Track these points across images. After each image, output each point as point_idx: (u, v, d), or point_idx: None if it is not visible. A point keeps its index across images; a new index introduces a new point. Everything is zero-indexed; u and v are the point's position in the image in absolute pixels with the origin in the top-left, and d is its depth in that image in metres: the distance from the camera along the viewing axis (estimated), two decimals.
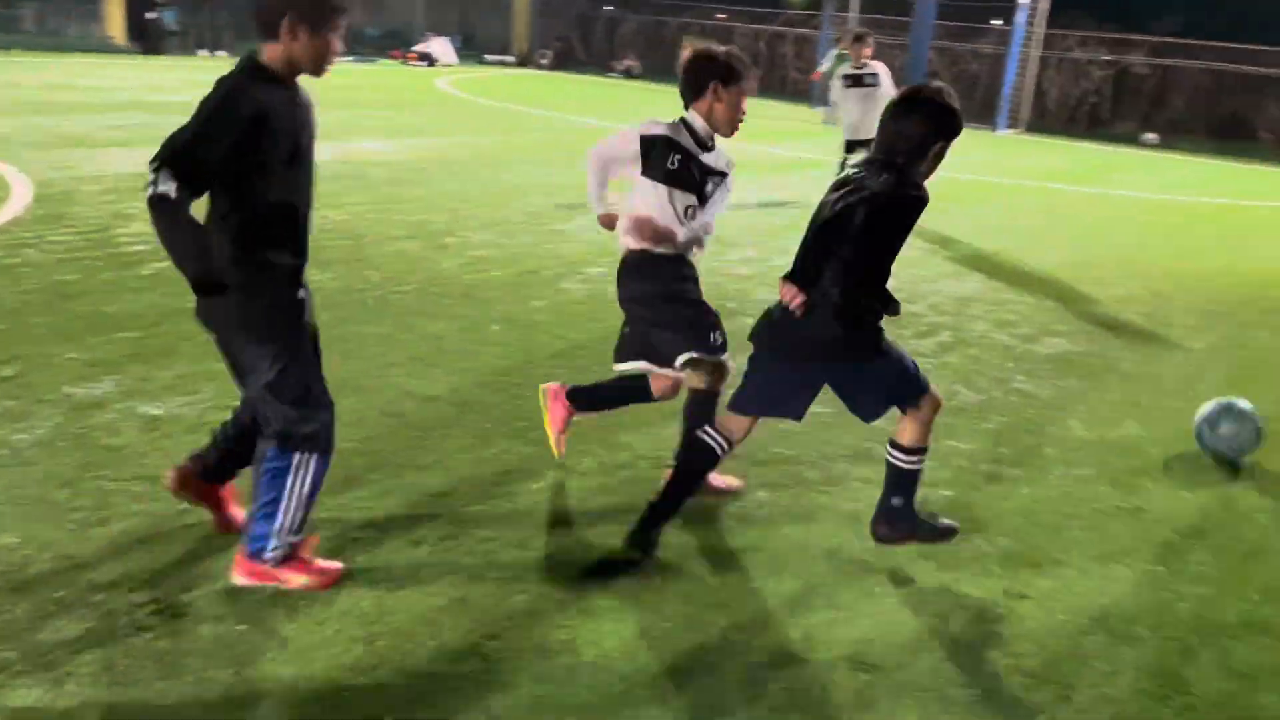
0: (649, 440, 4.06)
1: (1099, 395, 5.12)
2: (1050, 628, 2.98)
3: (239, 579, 2.83)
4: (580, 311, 5.76)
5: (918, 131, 2.92)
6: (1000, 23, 23.94)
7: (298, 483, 2.78)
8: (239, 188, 2.57)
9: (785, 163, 13.36)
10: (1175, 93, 23.44)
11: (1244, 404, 4.33)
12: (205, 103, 2.50)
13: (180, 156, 2.42)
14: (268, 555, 2.81)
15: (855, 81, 9.30)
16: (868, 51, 9.32)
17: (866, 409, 3.17)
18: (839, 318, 2.96)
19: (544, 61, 29.30)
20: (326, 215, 6.95)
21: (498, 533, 3.27)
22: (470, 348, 5.05)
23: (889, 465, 3.17)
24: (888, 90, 8.72)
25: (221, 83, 2.55)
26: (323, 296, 5.83)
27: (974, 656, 2.82)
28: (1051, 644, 2.90)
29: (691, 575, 3.12)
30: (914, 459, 3.13)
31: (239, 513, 3.08)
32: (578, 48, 31.77)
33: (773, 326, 3.12)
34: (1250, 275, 8.51)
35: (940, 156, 2.99)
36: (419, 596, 2.88)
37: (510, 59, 29.69)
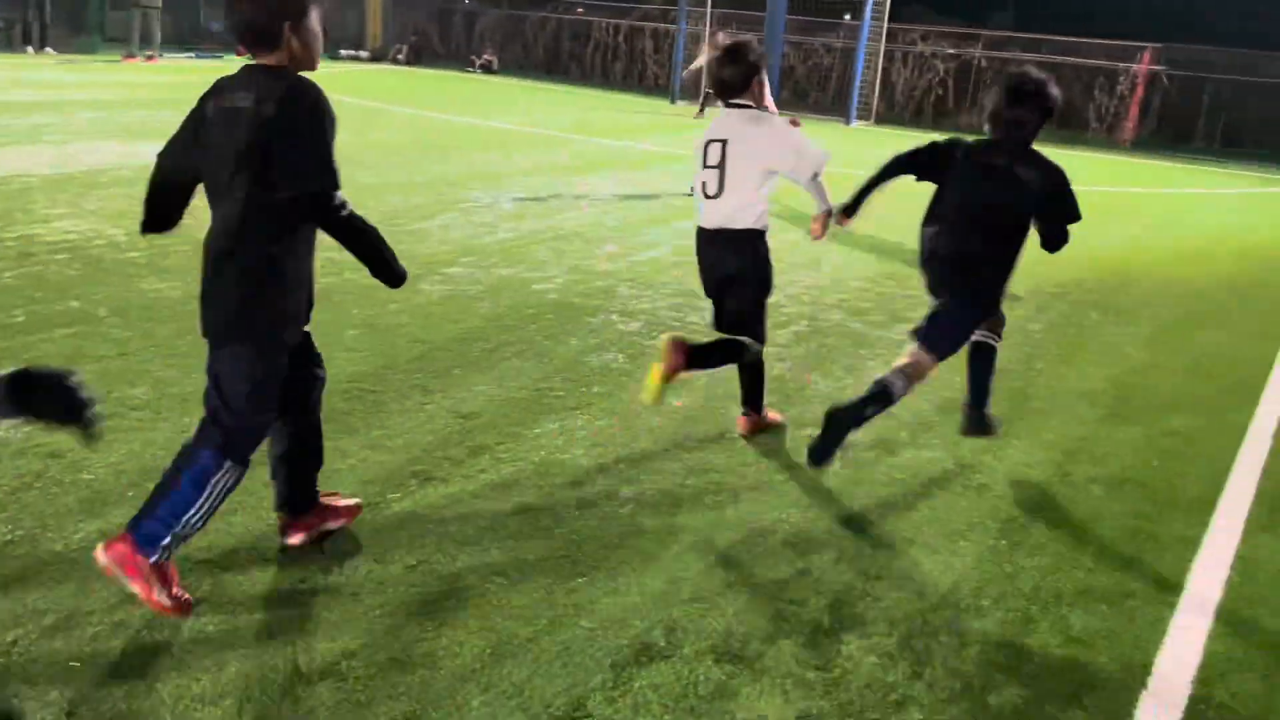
0: (511, 452, 4.03)
1: (950, 377, 5.33)
2: (902, 606, 3.10)
3: (106, 559, 2.61)
4: (440, 313, 5.66)
5: (1032, 117, 3.73)
6: (849, 17, 24.72)
7: (217, 491, 2.72)
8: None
9: (647, 157, 13.46)
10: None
11: None
12: (311, 119, 2.59)
13: (338, 172, 2.63)
14: (155, 555, 2.64)
15: None
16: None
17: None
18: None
19: (400, 56, 28.67)
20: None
21: (357, 545, 3.19)
22: (325, 354, 4.88)
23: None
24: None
25: (304, 95, 2.59)
26: (165, 307, 5.63)
27: (833, 640, 2.91)
28: (904, 623, 3.01)
29: (556, 575, 3.11)
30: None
31: (341, 499, 3.29)
32: (435, 42, 31.21)
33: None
34: (1080, 258, 8.97)
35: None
36: (269, 616, 2.78)
37: (364, 54, 28.95)
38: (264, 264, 2.70)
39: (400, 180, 9.94)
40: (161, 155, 2.88)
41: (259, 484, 3.17)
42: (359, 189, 9.34)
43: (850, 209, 4.15)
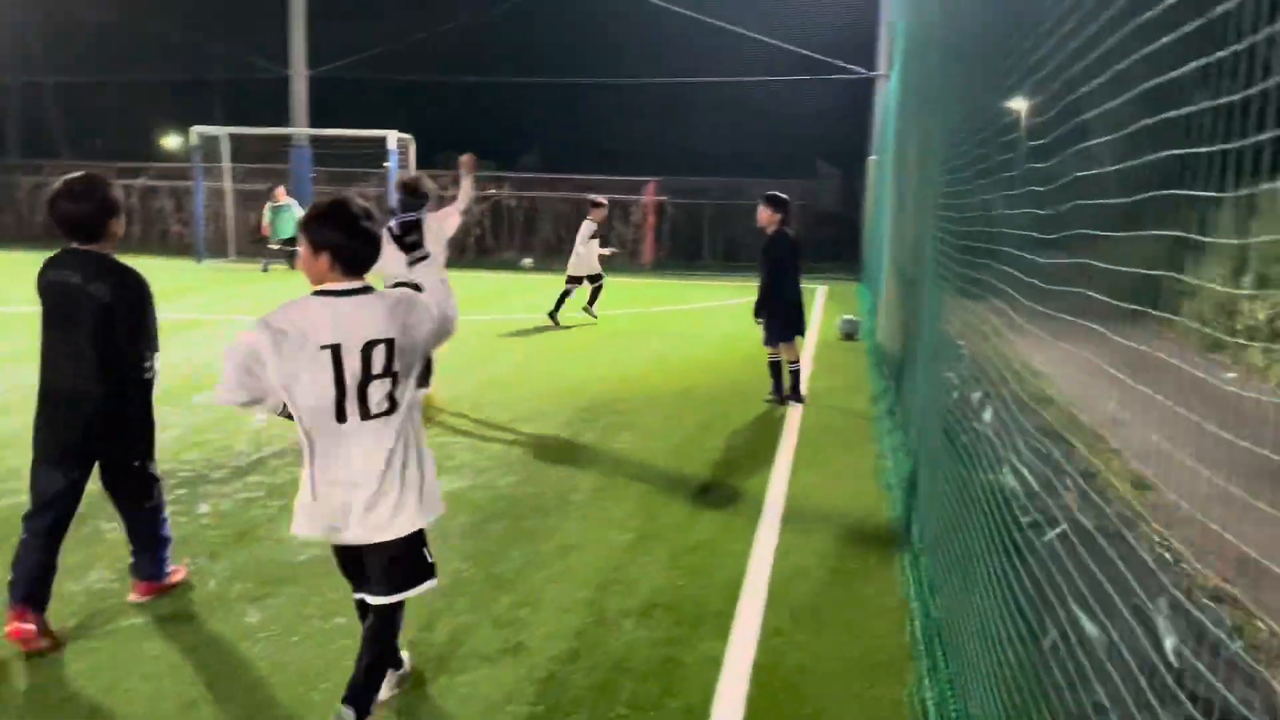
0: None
1: (486, 528, 5.20)
2: None
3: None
4: None
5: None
6: (386, 164, 25.05)
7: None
8: None
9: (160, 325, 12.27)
10: (543, 220, 26.34)
11: None
12: (140, 293, 3.94)
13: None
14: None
15: None
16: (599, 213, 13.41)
17: None
18: None
19: None
20: None
21: None
22: None
23: None
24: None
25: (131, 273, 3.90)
26: None
27: None
28: None
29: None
30: None
31: None
32: None
33: None
34: (611, 378, 9.55)
35: None
36: None
37: None
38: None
39: None
40: None
41: None
42: None
43: None
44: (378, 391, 2.94)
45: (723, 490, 5.99)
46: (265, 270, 20.09)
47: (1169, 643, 3.48)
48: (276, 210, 19.85)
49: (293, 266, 19.41)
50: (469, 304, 16.47)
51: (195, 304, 14.53)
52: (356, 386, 2.91)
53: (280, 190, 20.42)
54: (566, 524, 5.28)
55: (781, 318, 8.36)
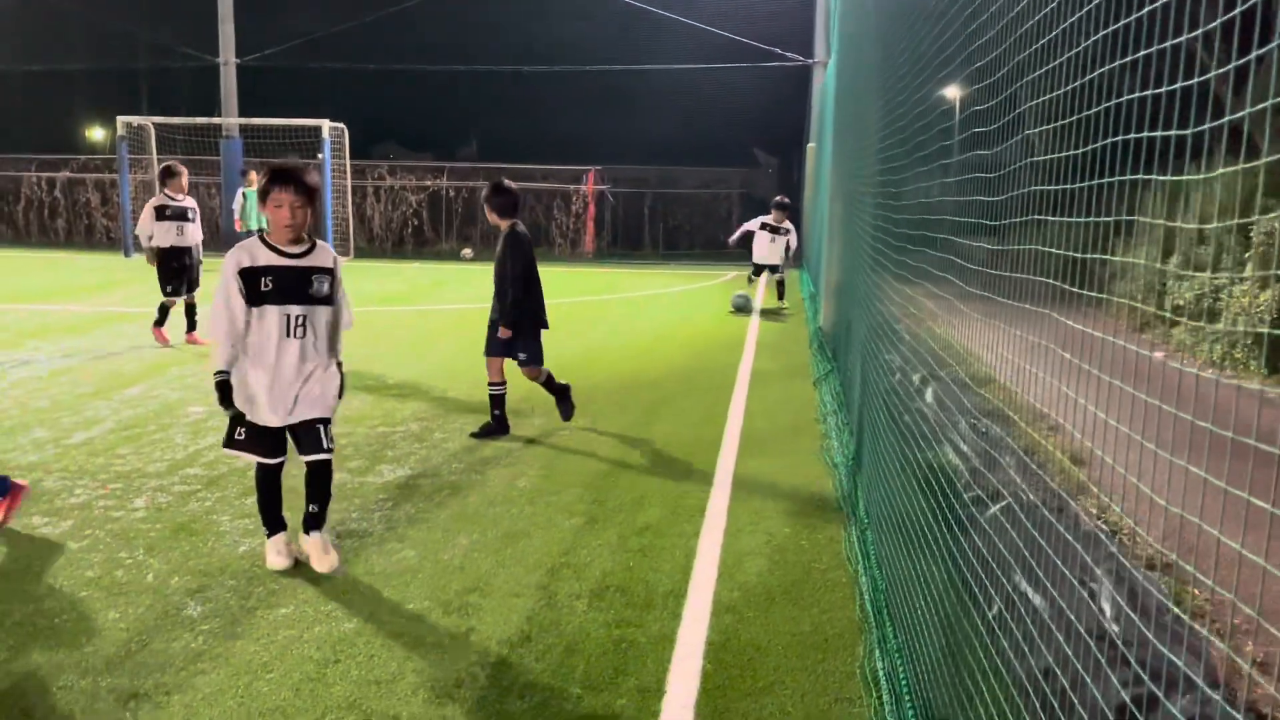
0: None
1: (432, 516, 5.15)
2: None
3: None
4: None
5: None
6: (320, 155, 24.64)
7: None
8: None
9: (94, 320, 11.95)
10: (482, 210, 26.14)
11: None
12: None
13: None
14: None
15: (774, 231, 14.55)
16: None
17: None
18: None
19: None
20: None
21: None
22: None
23: None
24: None
25: None
26: None
27: None
28: None
29: None
30: None
31: None
32: None
33: None
34: (553, 366, 9.47)
35: None
36: None
37: None
38: None
39: None
40: None
41: None
42: None
43: None
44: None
45: (670, 473, 6.00)
46: None
47: (1108, 609, 3.58)
48: (248, 197, 17.63)
49: None
50: (407, 296, 16.31)
51: (123, 298, 14.12)
52: None
53: (254, 174, 17.83)
54: (513, 510, 5.25)
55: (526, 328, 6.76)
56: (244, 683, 3.41)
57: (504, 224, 6.82)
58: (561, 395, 7.13)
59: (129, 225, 21.93)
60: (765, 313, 14.18)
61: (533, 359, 6.83)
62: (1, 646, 3.64)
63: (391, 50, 26.39)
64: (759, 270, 15.19)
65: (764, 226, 14.66)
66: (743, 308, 13.69)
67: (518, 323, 6.68)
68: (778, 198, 15.38)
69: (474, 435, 6.76)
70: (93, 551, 4.57)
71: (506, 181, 6.92)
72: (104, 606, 3.98)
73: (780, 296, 14.80)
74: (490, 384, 6.86)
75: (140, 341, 10.24)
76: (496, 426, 6.81)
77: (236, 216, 17.90)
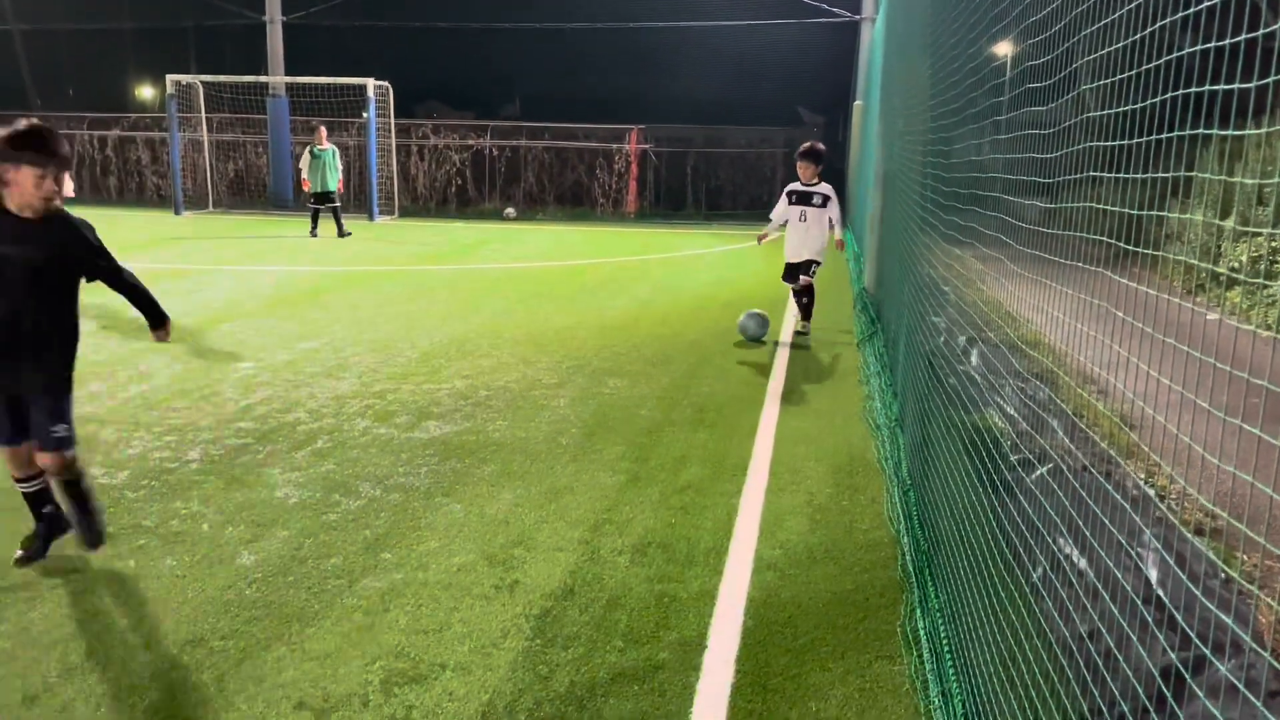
0: None
1: (477, 471, 5.22)
2: None
3: None
4: None
5: None
6: (365, 114, 24.75)
7: None
8: None
9: (149, 277, 12.14)
10: (525, 169, 26.11)
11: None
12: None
13: None
14: None
15: (803, 199, 9.56)
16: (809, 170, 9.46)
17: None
18: None
19: None
20: None
21: None
22: None
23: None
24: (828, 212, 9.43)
25: None
26: None
27: None
28: None
29: None
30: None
31: None
32: None
33: None
34: (596, 325, 9.54)
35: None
36: None
37: None
38: None
39: None
40: None
41: None
42: None
43: None
44: None
45: (712, 432, 6.02)
46: (343, 235, 17.67)
47: (1154, 574, 3.55)
48: (317, 156, 17.38)
49: (332, 231, 17.82)
50: (451, 255, 16.39)
51: (175, 254, 14.36)
52: None
53: (323, 131, 17.66)
54: (557, 467, 5.30)
55: None
56: (295, 629, 3.50)
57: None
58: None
59: (179, 182, 22.20)
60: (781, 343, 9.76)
61: None
62: (61, 593, 3.77)
63: (434, 8, 26.31)
64: (791, 273, 9.63)
65: (791, 197, 9.56)
66: (752, 334, 9.12)
67: None
68: (805, 145, 9.64)
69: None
70: (150, 502, 4.70)
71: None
72: (161, 555, 4.10)
73: (807, 316, 9.43)
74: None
75: (190, 299, 10.42)
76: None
77: (304, 176, 17.45)
